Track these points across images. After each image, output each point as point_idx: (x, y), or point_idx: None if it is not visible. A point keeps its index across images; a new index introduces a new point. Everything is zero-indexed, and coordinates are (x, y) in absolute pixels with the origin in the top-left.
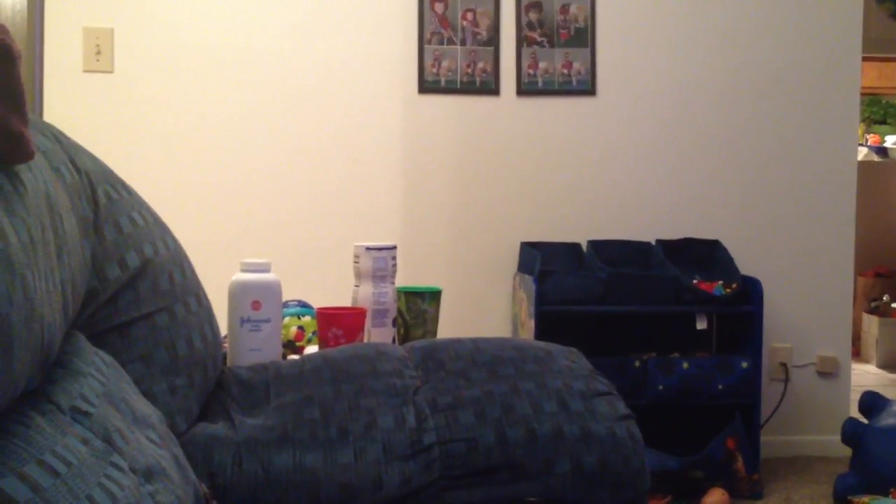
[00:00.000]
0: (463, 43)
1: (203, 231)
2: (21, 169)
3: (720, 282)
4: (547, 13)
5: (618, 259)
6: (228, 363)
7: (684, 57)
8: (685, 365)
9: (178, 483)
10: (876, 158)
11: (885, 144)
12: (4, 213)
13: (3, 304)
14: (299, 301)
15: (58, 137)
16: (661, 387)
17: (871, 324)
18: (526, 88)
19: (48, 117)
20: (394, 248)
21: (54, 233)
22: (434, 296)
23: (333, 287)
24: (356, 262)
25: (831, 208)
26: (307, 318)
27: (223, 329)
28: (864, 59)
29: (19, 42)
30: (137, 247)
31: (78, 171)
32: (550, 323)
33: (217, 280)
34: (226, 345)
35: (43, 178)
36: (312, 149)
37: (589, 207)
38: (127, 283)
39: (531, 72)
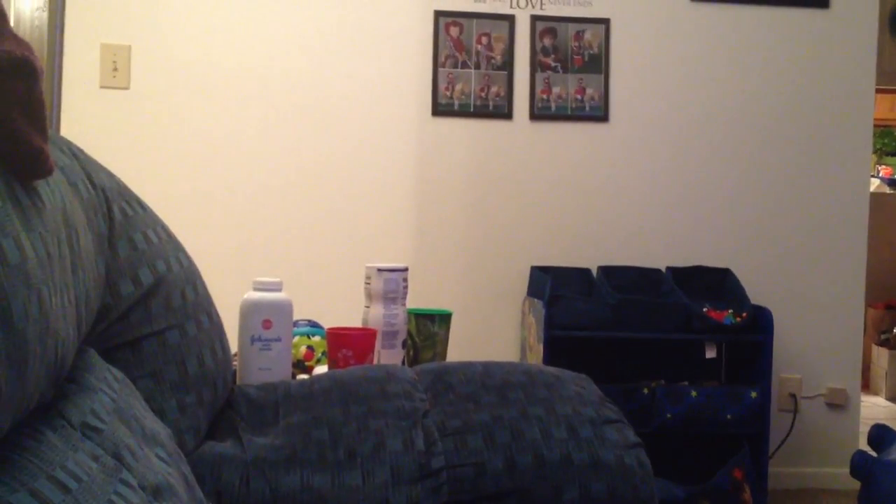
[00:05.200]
0: (477, 67)
1: (215, 248)
2: (40, 184)
3: (730, 310)
4: (561, 39)
5: (628, 285)
6: (238, 381)
7: (697, 85)
8: (693, 393)
9: (186, 501)
10: (887, 190)
11: None
12: (23, 228)
13: (20, 318)
14: (309, 321)
15: (75, 153)
16: (668, 415)
17: (880, 356)
18: (539, 113)
19: (65, 132)
20: (405, 269)
21: (70, 248)
22: (444, 319)
23: (344, 307)
24: (367, 283)
25: (843, 239)
26: (317, 338)
27: (233, 347)
28: (877, 90)
29: (39, 58)
30: (151, 264)
31: (94, 186)
32: (559, 348)
33: (228, 297)
34: (235, 362)
35: (60, 193)
36: (326, 169)
37: (600, 233)
38: (139, 299)
39: (544, 97)
